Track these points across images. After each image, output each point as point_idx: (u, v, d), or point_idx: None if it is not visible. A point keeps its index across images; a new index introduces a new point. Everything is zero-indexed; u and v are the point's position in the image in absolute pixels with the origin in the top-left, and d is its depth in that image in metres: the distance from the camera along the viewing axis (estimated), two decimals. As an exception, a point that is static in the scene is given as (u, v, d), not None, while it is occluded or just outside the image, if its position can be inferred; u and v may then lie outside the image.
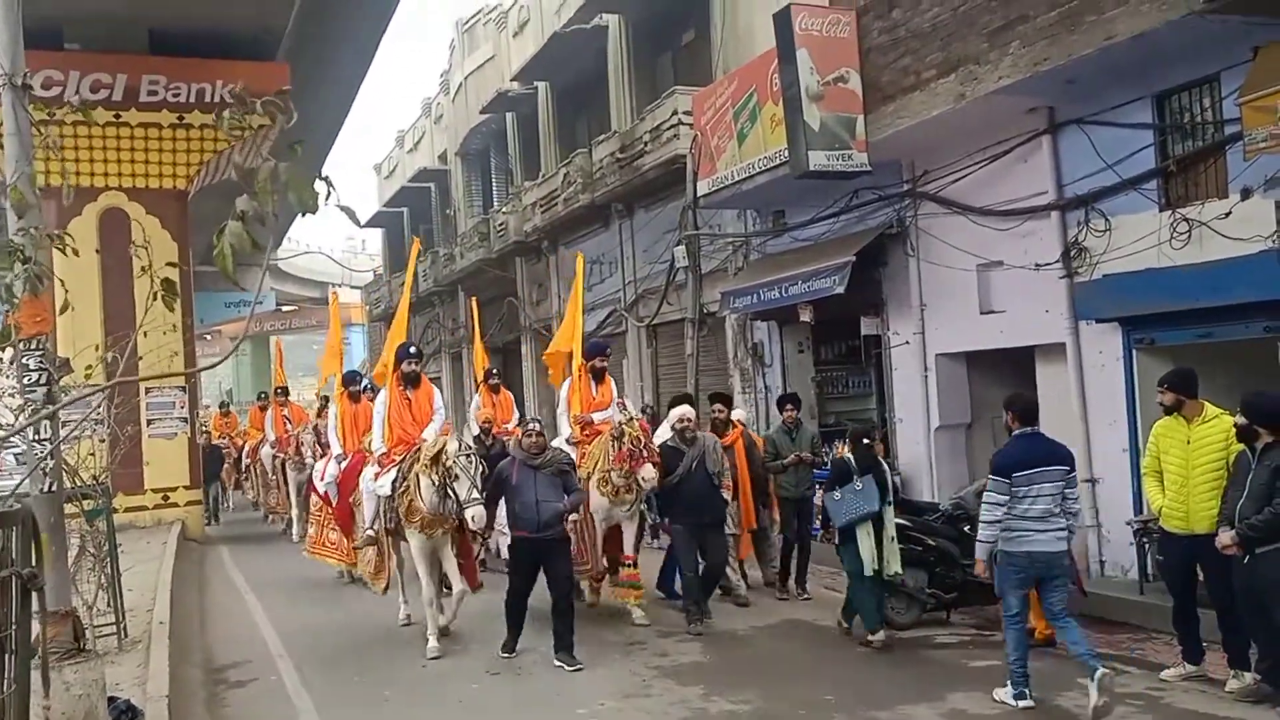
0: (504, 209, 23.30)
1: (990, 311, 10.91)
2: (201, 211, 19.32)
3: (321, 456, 13.01)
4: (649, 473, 8.61)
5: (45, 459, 6.11)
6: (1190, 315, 8.52)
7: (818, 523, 9.74)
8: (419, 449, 8.47)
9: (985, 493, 6.76)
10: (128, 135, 16.60)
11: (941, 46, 9.85)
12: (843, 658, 8.03)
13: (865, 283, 12.08)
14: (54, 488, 6.31)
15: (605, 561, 9.35)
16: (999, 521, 6.56)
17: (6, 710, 3.30)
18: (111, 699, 6.32)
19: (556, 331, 13.16)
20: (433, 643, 8.43)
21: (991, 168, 10.52)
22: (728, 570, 9.57)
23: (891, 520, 8.26)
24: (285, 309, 47.01)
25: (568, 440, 9.63)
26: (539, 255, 22.01)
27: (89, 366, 5.78)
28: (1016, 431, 6.79)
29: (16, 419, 6.02)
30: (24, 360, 6.10)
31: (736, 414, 10.79)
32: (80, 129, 15.82)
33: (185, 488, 17.16)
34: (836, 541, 8.48)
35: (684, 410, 9.25)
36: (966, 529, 8.08)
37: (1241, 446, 6.35)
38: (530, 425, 8.47)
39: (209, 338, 39.68)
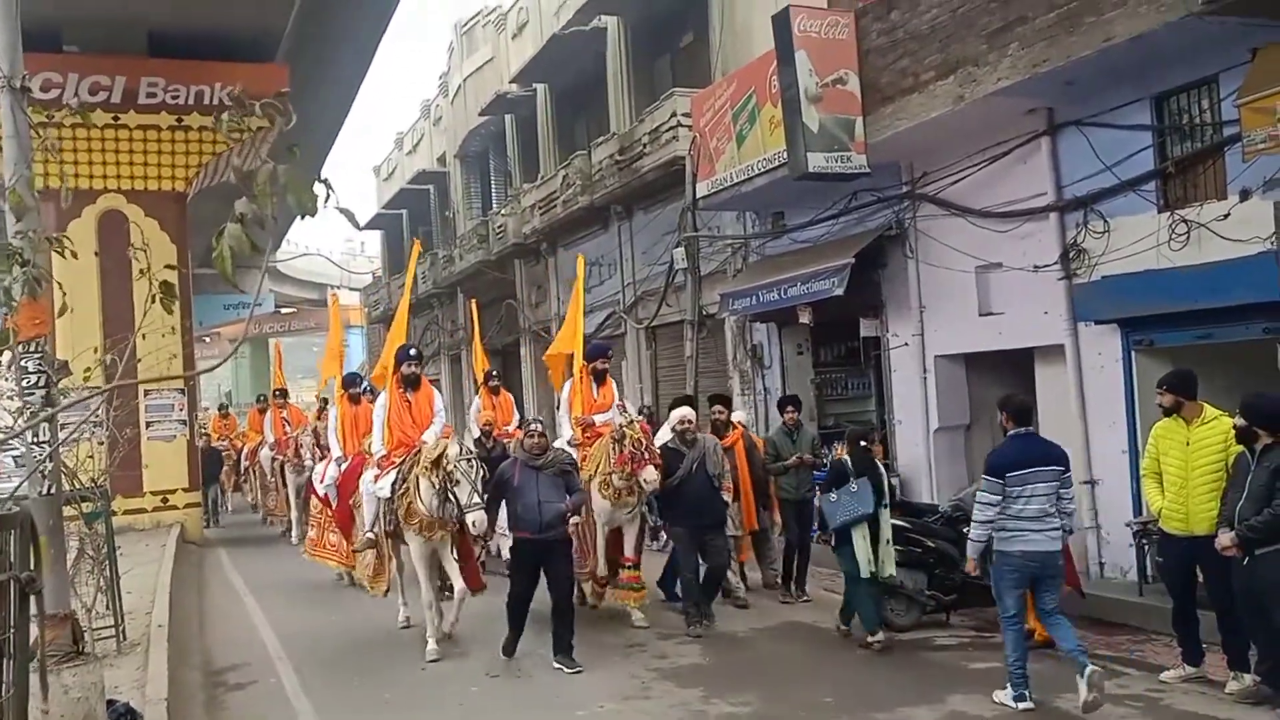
0: (503, 211, 23.30)
1: (989, 313, 10.91)
2: (200, 213, 19.30)
3: (321, 459, 13.01)
4: (651, 475, 8.59)
5: (44, 462, 6.11)
6: (1189, 317, 8.52)
7: (816, 525, 9.73)
8: (419, 451, 8.45)
9: (978, 492, 6.79)
10: (126, 137, 16.58)
11: (940, 48, 9.86)
12: (842, 660, 8.02)
13: (864, 284, 12.08)
14: (53, 490, 6.31)
15: (606, 565, 9.31)
16: (991, 521, 6.60)
17: (5, 714, 3.29)
18: (110, 702, 6.31)
19: (557, 333, 13.17)
20: (432, 645, 8.42)
21: (990, 169, 10.53)
22: (728, 572, 9.57)
23: (887, 523, 8.28)
24: (284, 311, 46.97)
25: (569, 442, 9.60)
26: (538, 257, 22.01)
27: (88, 369, 5.77)
28: (1011, 432, 6.81)
29: (15, 422, 6.01)
30: (23, 363, 6.09)
31: (737, 416, 10.80)
32: (79, 131, 15.80)
33: (184, 490, 17.14)
34: (833, 544, 8.49)
35: (685, 412, 9.24)
36: (966, 530, 8.07)
37: (1241, 448, 6.35)
38: (532, 426, 8.41)
39: (208, 340, 39.66)
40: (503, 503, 8.22)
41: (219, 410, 24.08)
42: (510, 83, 21.91)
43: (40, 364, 6.10)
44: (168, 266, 4.00)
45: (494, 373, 13.54)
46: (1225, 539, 6.19)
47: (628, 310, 18.24)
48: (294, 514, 16.08)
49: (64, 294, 4.45)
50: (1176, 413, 6.80)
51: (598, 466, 9.07)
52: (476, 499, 7.91)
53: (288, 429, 16.82)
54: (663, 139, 15.71)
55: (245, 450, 20.10)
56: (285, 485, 16.49)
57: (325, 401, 16.53)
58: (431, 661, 8.28)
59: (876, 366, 13.20)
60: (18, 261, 3.71)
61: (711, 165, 13.63)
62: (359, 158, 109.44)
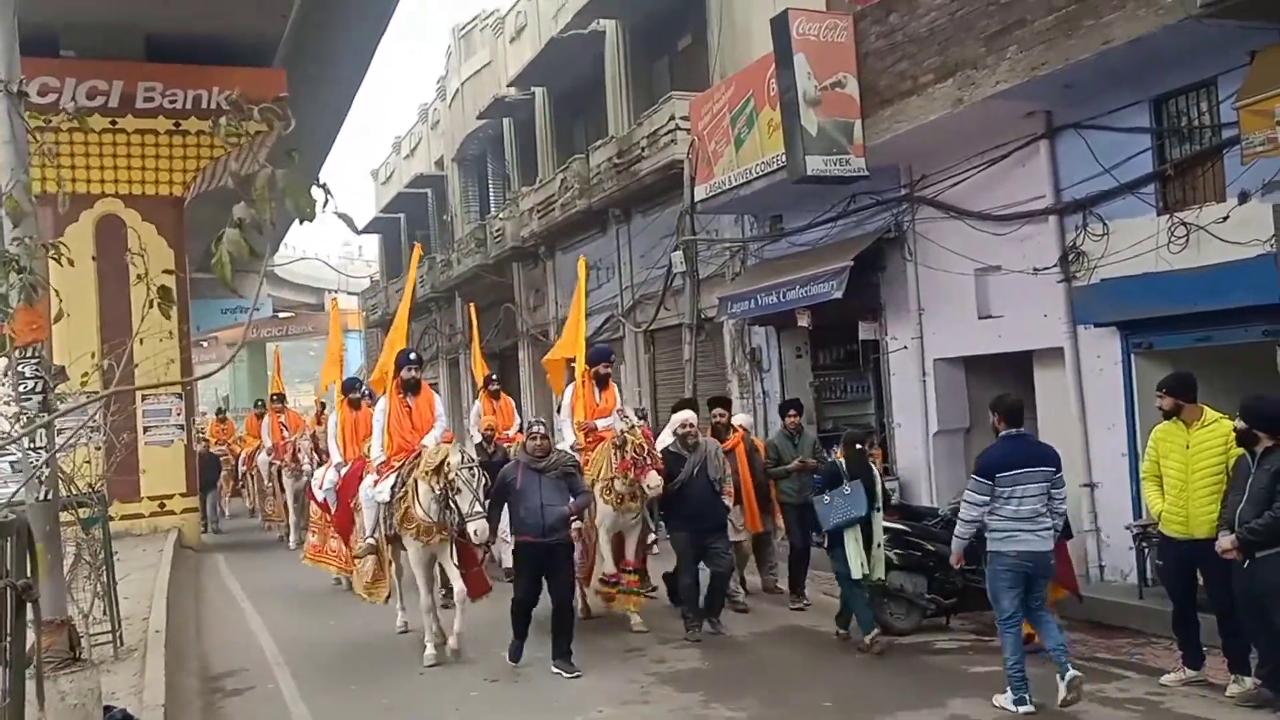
0: (501, 215, 23.29)
1: (988, 316, 10.90)
2: (198, 218, 19.30)
3: (319, 464, 12.99)
4: (654, 480, 8.54)
5: (41, 467, 6.08)
6: (1188, 319, 8.52)
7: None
8: (418, 455, 8.39)
9: (965, 491, 6.85)
10: (124, 142, 16.57)
11: (939, 51, 9.86)
12: (842, 664, 8.00)
13: (863, 288, 12.07)
14: (49, 496, 6.28)
15: (616, 570, 9.18)
16: (976, 521, 6.69)
17: (1, 721, 3.27)
18: (107, 708, 6.29)
19: (558, 337, 13.14)
20: (430, 650, 8.39)
21: (989, 172, 10.53)
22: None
23: (879, 526, 8.31)
24: (282, 315, 46.95)
25: (571, 447, 9.54)
26: (536, 261, 22.00)
27: (85, 374, 5.75)
28: (1003, 433, 6.84)
29: (12, 427, 5.99)
30: (19, 368, 6.07)
31: (737, 419, 10.77)
32: (76, 136, 15.80)
33: (181, 495, 17.11)
34: (825, 545, 8.56)
35: (686, 416, 9.18)
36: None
37: (1241, 451, 6.34)
38: (534, 428, 8.29)
39: (205, 344, 39.64)
40: (504, 507, 8.14)
41: (217, 415, 24.06)
42: (508, 86, 21.90)
43: (37, 369, 6.08)
44: (165, 271, 3.99)
45: (494, 377, 13.53)
46: (1226, 542, 6.18)
47: (626, 314, 18.23)
48: (292, 519, 16.07)
49: (60, 300, 4.43)
50: (1176, 415, 6.79)
51: (599, 471, 9.02)
52: (479, 507, 7.83)
53: (285, 434, 16.80)
54: (661, 142, 15.70)
55: (243, 455, 20.07)
56: (283, 490, 16.47)
57: (324, 406, 16.52)
58: (430, 666, 8.25)
59: (875, 370, 13.19)
60: (14, 268, 3.70)
61: (710, 168, 13.62)
62: (358, 158, 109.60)
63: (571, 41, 18.62)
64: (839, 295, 11.60)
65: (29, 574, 3.41)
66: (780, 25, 11.22)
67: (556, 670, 7.78)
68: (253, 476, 19.22)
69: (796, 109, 11.03)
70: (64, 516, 7.84)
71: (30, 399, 6.06)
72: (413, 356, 9.20)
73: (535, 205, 20.66)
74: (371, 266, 43.19)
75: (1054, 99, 9.42)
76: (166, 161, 16.86)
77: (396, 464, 8.69)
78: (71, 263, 4.01)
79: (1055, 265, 9.87)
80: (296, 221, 2.94)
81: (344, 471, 10.30)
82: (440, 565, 8.62)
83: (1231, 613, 6.46)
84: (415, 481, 8.24)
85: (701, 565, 8.88)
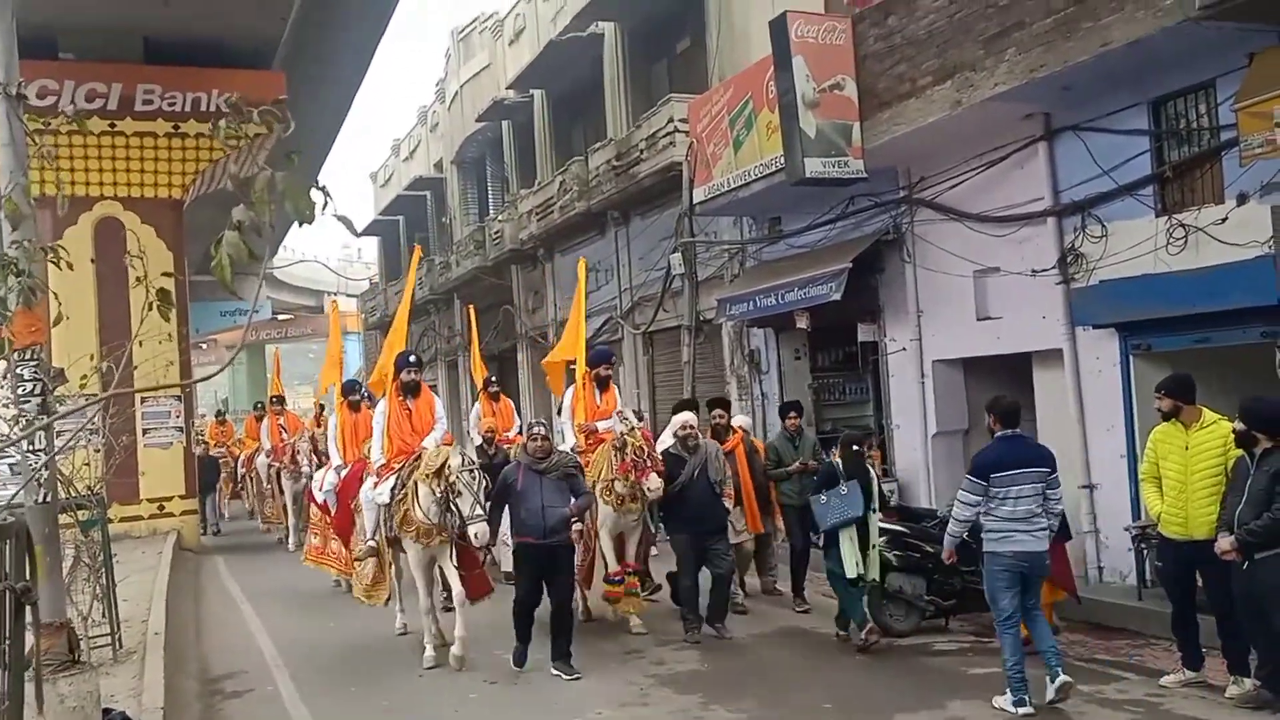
0: (500, 217, 23.29)
1: (987, 318, 10.91)
2: (197, 221, 19.31)
3: (319, 466, 12.99)
4: (654, 483, 8.51)
5: (40, 470, 6.08)
6: (1187, 321, 8.52)
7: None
8: (418, 457, 8.35)
9: (959, 490, 6.90)
10: (123, 144, 16.57)
11: (938, 53, 9.87)
12: (841, 665, 8.00)
13: (862, 289, 12.07)
14: (49, 499, 6.28)
15: (620, 571, 9.12)
16: (969, 520, 6.77)
17: (1, 724, 3.28)
18: (106, 711, 6.29)
19: (559, 339, 13.11)
20: (430, 652, 8.39)
21: (988, 174, 10.53)
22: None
23: (876, 527, 8.35)
24: (281, 318, 46.94)
25: (572, 449, 9.50)
26: (535, 263, 22.00)
27: (84, 376, 5.75)
28: (998, 433, 6.88)
29: (11, 430, 5.99)
30: (18, 371, 6.07)
31: (737, 420, 10.76)
32: (75, 138, 15.81)
33: (181, 497, 17.11)
34: (821, 545, 8.62)
35: (687, 417, 9.17)
36: (965, 535, 8.08)
37: (1240, 452, 6.34)
38: (534, 429, 8.25)
39: (205, 346, 39.64)
40: (505, 508, 8.10)
41: (216, 417, 24.06)
42: (507, 89, 21.91)
43: (36, 372, 6.09)
44: (165, 274, 3.99)
45: (493, 379, 13.53)
46: (1225, 543, 6.18)
47: (624, 316, 18.23)
48: (291, 521, 16.06)
49: (59, 303, 4.43)
50: (1175, 417, 6.80)
51: (600, 473, 8.99)
52: (479, 510, 7.78)
53: (285, 436, 16.80)
54: (660, 144, 15.71)
55: (242, 458, 20.07)
56: (282, 492, 16.46)
57: (322, 408, 16.53)
58: (429, 668, 8.25)
59: (874, 371, 13.19)
60: (13, 271, 3.70)
61: (708, 171, 13.63)
62: (357, 158, 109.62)
63: (570, 44, 18.63)
64: (838, 297, 11.60)
65: (28, 577, 3.42)
66: (779, 28, 11.22)
67: (556, 672, 7.77)
68: (252, 479, 19.22)
69: (795, 111, 11.03)
70: (63, 519, 7.83)
71: (29, 401, 6.06)
72: (412, 359, 9.17)
73: (534, 207, 20.67)
74: (370, 269, 43.19)
75: (1052, 101, 9.43)
76: (165, 164, 16.86)
77: (396, 466, 8.65)
78: (70, 266, 4.01)
79: (1054, 267, 9.87)
80: (296, 224, 2.95)
81: (344, 474, 10.28)
82: (440, 567, 8.59)
83: (1231, 614, 6.47)
84: (415, 484, 8.21)
85: (703, 569, 8.87)
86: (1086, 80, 8.77)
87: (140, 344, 5.20)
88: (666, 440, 9.27)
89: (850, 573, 8.14)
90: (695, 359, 15.54)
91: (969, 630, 8.78)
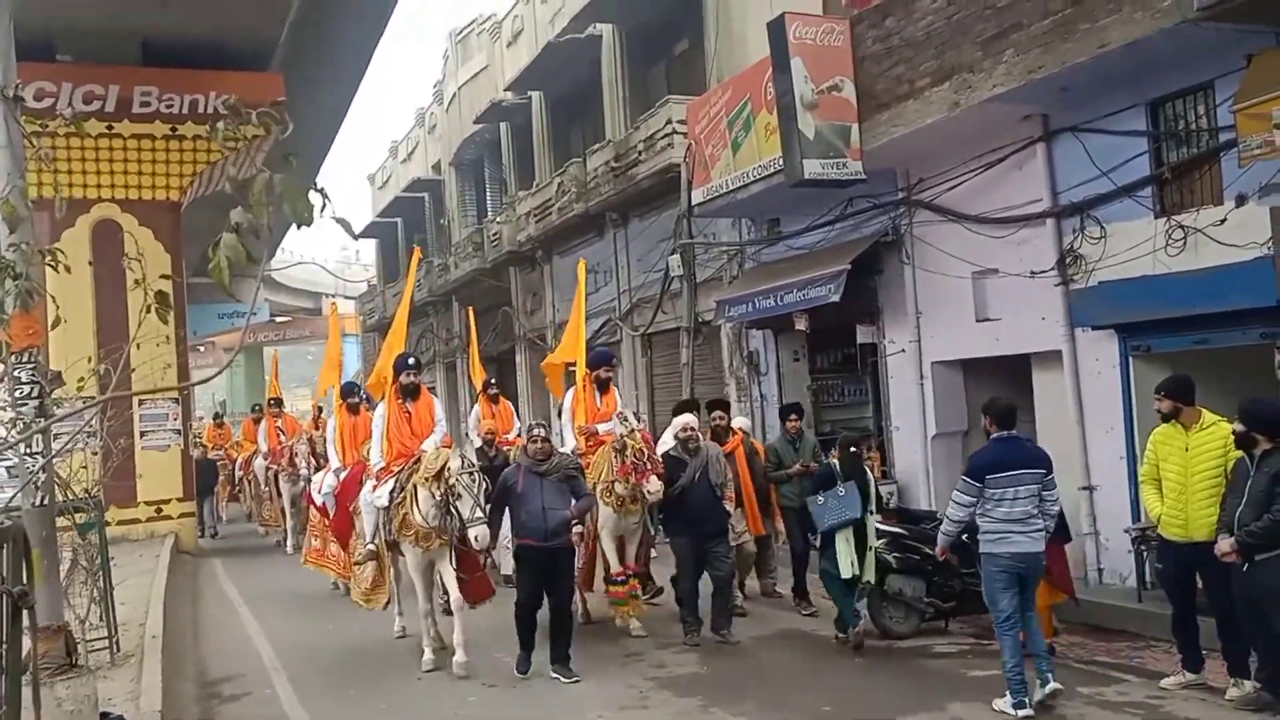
0: (498, 219, 23.28)
1: (986, 319, 10.90)
2: (194, 222, 19.29)
3: (317, 468, 12.96)
4: (654, 486, 8.46)
5: (37, 473, 6.07)
6: (1186, 322, 8.52)
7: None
8: (418, 460, 8.29)
9: (954, 491, 6.95)
10: (120, 147, 16.55)
11: (936, 55, 9.86)
12: (841, 668, 7.99)
13: (860, 291, 12.06)
14: (46, 502, 6.27)
15: (623, 573, 9.05)
16: (962, 521, 6.83)
17: (-2, 729, 3.26)
18: (104, 714, 6.27)
19: (555, 341, 13.09)
20: (428, 655, 8.37)
21: (986, 175, 10.53)
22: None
23: (873, 529, 8.38)
24: (279, 320, 46.93)
25: (572, 451, 9.41)
26: (533, 265, 22.00)
27: (81, 379, 5.74)
28: (994, 435, 6.90)
29: (8, 433, 5.97)
30: (16, 374, 6.06)
31: (737, 422, 10.74)
32: (73, 140, 15.79)
33: (178, 500, 17.08)
34: (818, 545, 8.66)
35: (687, 419, 9.12)
36: (964, 537, 8.09)
37: (1240, 453, 6.34)
38: (535, 431, 8.19)
39: (202, 349, 39.65)
40: (505, 511, 8.06)
41: (214, 420, 24.01)
42: (505, 90, 21.90)
43: (33, 375, 6.07)
44: (163, 276, 3.98)
45: (493, 381, 13.52)
46: (1225, 545, 6.18)
47: (623, 317, 18.22)
48: (289, 524, 16.04)
49: (57, 306, 4.42)
50: (1175, 418, 6.79)
51: (600, 474, 8.95)
52: (479, 513, 7.72)
53: (282, 439, 16.78)
54: (658, 146, 15.71)
55: (240, 460, 20.04)
56: (279, 495, 16.44)
57: (320, 410, 16.51)
58: (428, 671, 8.23)
59: (873, 373, 13.18)
60: (10, 274, 3.69)
61: (707, 172, 13.62)
62: (355, 160, 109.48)
63: (568, 46, 18.63)
64: (836, 298, 11.60)
65: (25, 581, 3.40)
66: (777, 29, 11.22)
67: (555, 675, 7.75)
68: (249, 481, 19.19)
69: (794, 113, 11.03)
70: (60, 522, 7.82)
71: (27, 404, 6.05)
72: (411, 361, 9.10)
73: (532, 209, 20.66)
74: (368, 271, 43.15)
75: (1051, 102, 9.43)
76: (163, 166, 16.84)
77: (396, 469, 8.60)
78: (68, 269, 4.00)
79: (1053, 268, 9.87)
80: (294, 226, 2.94)
81: (343, 476, 10.24)
82: (438, 572, 8.55)
83: (1231, 616, 6.46)
84: (414, 487, 8.15)
85: (704, 573, 8.84)
86: (1085, 81, 8.77)
87: (138, 346, 5.18)
88: (667, 442, 9.24)
89: (845, 573, 8.20)
90: (694, 361, 15.53)
91: (968, 632, 8.76)
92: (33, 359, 6.06)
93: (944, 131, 10.10)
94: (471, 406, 15.51)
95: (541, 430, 8.20)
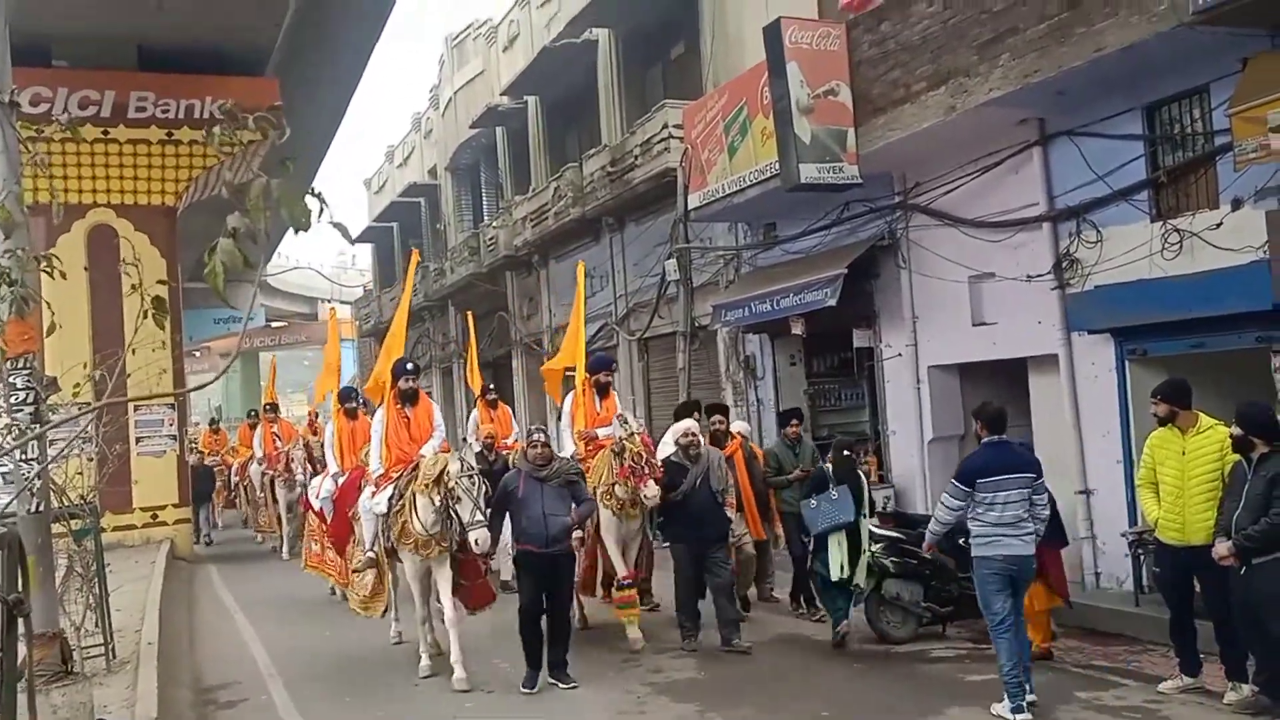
0: (494, 223, 23.28)
1: (982, 323, 10.91)
2: (190, 227, 19.24)
3: (314, 474, 12.93)
4: (651, 490, 8.37)
5: (33, 479, 6.06)
6: (1182, 326, 8.52)
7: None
8: (416, 466, 8.21)
9: (943, 494, 7.01)
10: (116, 152, 16.52)
11: (931, 59, 9.87)
12: (838, 672, 7.98)
13: (857, 295, 12.07)
14: (41, 508, 6.26)
15: (630, 577, 8.95)
16: (949, 524, 6.93)
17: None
18: (100, 722, 6.25)
19: (552, 345, 13.05)
20: (425, 661, 8.34)
21: (982, 179, 10.54)
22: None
23: (866, 532, 8.40)
24: (275, 325, 46.85)
25: (571, 456, 9.32)
26: (529, 269, 21.99)
27: (77, 385, 5.72)
28: (985, 440, 6.93)
29: (4, 439, 5.96)
30: (11, 380, 6.04)
31: (736, 426, 10.72)
32: (68, 146, 15.73)
33: (174, 506, 17.02)
34: (811, 549, 8.72)
35: (689, 424, 9.06)
36: (961, 542, 8.09)
37: (1237, 457, 6.34)
38: (535, 435, 8.12)
39: (198, 354, 39.56)
40: (505, 516, 7.99)
41: (210, 425, 23.96)
42: (501, 95, 21.91)
43: (29, 381, 6.06)
44: (159, 282, 3.97)
45: (491, 386, 13.50)
46: (1222, 549, 6.18)
47: (620, 322, 18.22)
48: (285, 530, 16.01)
49: (53, 312, 4.40)
50: (1171, 422, 6.79)
51: (600, 478, 8.87)
52: (479, 516, 7.62)
53: (278, 444, 16.75)
54: (654, 150, 15.71)
55: (235, 466, 19.99)
56: (275, 501, 16.40)
57: (315, 415, 16.48)
58: (425, 678, 8.20)
59: (870, 377, 13.18)
60: (5, 281, 3.68)
61: (703, 177, 13.62)
62: (351, 164, 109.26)
63: (564, 50, 18.64)
64: (833, 303, 11.60)
65: (20, 588, 3.38)
66: (773, 34, 11.23)
67: (552, 681, 7.72)
68: (245, 487, 19.15)
69: (790, 117, 11.03)
70: (56, 528, 7.80)
71: (22, 410, 6.04)
72: (410, 366, 9.04)
73: (529, 214, 20.67)
74: (365, 276, 43.12)
75: (1047, 106, 9.44)
76: (159, 171, 16.81)
77: (394, 476, 8.51)
78: (64, 275, 3.99)
79: (1049, 272, 9.87)
80: (292, 231, 2.93)
81: (341, 481, 10.17)
82: (435, 580, 8.38)
83: (1228, 620, 6.46)
84: (413, 495, 8.06)
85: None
86: (1081, 85, 8.79)
87: (134, 352, 5.17)
88: (668, 446, 9.20)
89: (835, 575, 8.28)
90: (691, 365, 15.53)
91: (966, 637, 8.75)
92: (28, 365, 6.06)
93: (940, 136, 10.11)
94: (469, 412, 15.50)
95: (542, 435, 8.11)
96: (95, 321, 15.26)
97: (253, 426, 18.80)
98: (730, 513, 9.04)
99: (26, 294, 3.74)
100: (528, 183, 21.95)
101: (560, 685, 7.67)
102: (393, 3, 18.55)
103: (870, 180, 11.27)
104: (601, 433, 9.51)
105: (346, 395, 11.16)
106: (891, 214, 11.85)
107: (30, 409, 6.07)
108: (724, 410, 10.55)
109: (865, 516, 8.52)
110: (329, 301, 38.15)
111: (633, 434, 8.63)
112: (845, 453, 8.79)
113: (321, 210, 2.85)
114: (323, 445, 12.13)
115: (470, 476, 7.76)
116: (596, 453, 9.31)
